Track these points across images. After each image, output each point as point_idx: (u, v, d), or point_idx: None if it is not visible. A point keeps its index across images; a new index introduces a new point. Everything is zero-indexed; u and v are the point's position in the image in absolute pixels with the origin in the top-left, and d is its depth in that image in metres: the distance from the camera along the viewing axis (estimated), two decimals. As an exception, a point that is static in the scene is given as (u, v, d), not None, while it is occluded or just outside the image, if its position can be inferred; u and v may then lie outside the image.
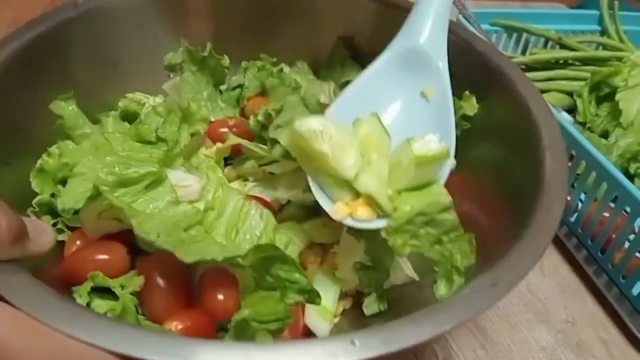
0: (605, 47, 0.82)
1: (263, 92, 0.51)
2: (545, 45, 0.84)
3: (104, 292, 0.37)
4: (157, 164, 0.38)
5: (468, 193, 0.45)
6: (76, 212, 0.40)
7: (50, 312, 0.27)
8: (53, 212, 0.42)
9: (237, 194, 0.43)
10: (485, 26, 0.81)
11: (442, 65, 0.46)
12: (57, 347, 0.26)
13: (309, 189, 0.40)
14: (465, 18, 0.78)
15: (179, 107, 0.42)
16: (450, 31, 0.47)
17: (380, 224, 0.38)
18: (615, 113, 0.69)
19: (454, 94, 0.45)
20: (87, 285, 0.36)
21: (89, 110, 0.46)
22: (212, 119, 0.49)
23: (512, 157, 0.45)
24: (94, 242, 0.40)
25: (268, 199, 0.45)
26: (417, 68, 0.47)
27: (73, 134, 0.38)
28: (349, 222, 0.39)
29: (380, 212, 0.38)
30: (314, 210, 0.44)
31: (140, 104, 0.51)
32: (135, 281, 0.37)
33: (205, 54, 0.49)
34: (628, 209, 0.54)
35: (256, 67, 0.51)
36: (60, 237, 0.41)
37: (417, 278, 0.45)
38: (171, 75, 0.54)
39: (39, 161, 0.42)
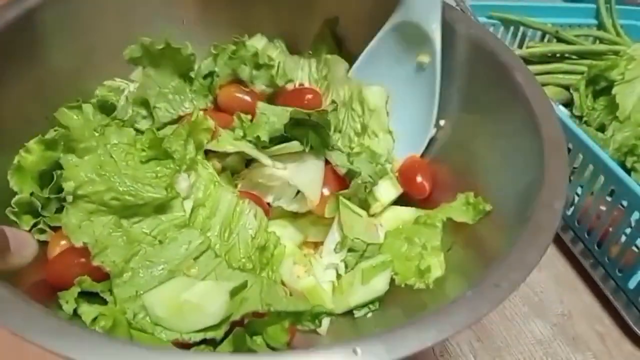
0: (602, 41, 0.82)
1: (236, 80, 0.49)
2: (542, 38, 0.84)
3: (91, 295, 0.36)
4: (165, 189, 0.38)
5: (466, 188, 0.45)
6: (58, 210, 0.40)
7: (37, 330, 0.26)
8: (33, 212, 0.40)
9: (230, 192, 0.42)
10: (482, 19, 0.80)
11: (436, 38, 0.50)
12: None
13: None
14: (463, 11, 0.77)
15: (187, 120, 0.41)
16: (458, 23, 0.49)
17: None
18: (612, 107, 0.69)
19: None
20: (74, 291, 0.35)
21: (64, 99, 0.44)
22: (182, 113, 0.47)
23: (512, 153, 0.44)
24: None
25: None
26: (413, 40, 0.52)
27: (77, 147, 0.37)
28: None
29: None
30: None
31: (118, 91, 0.50)
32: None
33: (161, 46, 0.46)
34: (625, 203, 0.53)
35: (227, 55, 0.48)
36: (43, 238, 0.40)
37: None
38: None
39: (17, 158, 0.41)
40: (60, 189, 0.41)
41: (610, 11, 0.84)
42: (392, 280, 0.44)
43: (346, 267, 0.44)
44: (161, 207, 0.38)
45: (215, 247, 0.39)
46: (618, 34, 0.82)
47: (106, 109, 0.49)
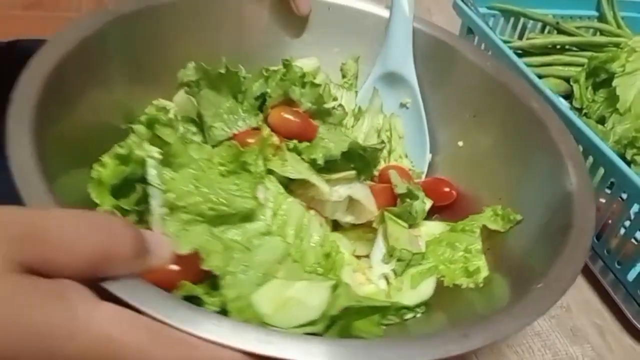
0: (602, 32, 0.82)
1: (286, 100, 0.52)
2: (542, 30, 0.84)
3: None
4: (253, 199, 0.41)
5: (489, 202, 0.51)
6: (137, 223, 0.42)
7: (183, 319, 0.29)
8: None
9: (298, 203, 0.45)
10: (483, 10, 0.81)
11: (412, 82, 0.60)
12: (192, 353, 0.28)
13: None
14: (464, 2, 0.78)
15: (260, 137, 0.45)
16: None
17: None
18: (612, 99, 0.69)
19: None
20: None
21: (119, 118, 0.48)
22: (236, 131, 0.50)
23: (531, 168, 0.51)
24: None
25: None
26: (395, 85, 0.61)
27: (174, 162, 0.39)
28: None
29: None
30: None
31: (165, 110, 0.52)
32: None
33: (222, 70, 0.49)
34: (624, 195, 0.55)
35: (279, 77, 0.52)
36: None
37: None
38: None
39: (93, 172, 0.43)
40: (139, 201, 0.43)
41: (611, 3, 0.84)
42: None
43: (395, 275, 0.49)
44: (247, 216, 0.41)
45: (292, 253, 0.43)
46: (619, 26, 0.82)
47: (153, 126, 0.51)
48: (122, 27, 0.50)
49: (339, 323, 0.37)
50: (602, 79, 0.72)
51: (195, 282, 0.40)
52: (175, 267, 0.39)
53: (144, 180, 0.45)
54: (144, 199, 0.44)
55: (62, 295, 0.27)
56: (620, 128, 0.67)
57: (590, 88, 0.73)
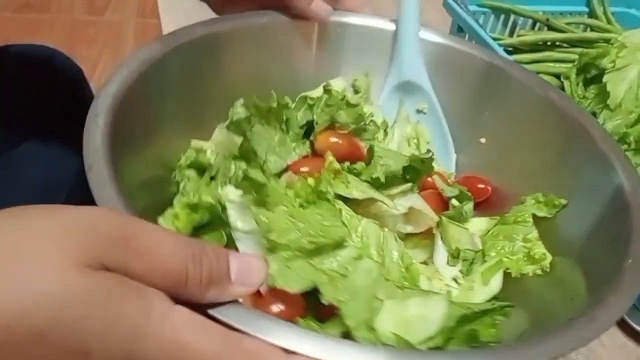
0: (593, 28, 0.83)
1: (332, 125, 0.54)
2: (533, 27, 0.84)
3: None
4: (344, 226, 0.42)
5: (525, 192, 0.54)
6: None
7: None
8: None
9: (373, 223, 0.46)
10: (473, 7, 0.82)
11: (427, 87, 0.62)
12: None
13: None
14: (454, 0, 0.80)
15: (327, 166, 0.46)
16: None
17: None
18: (603, 95, 0.70)
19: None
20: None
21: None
22: (290, 162, 0.52)
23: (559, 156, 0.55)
24: (267, 294, 0.41)
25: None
26: (410, 93, 0.63)
27: (268, 201, 0.39)
28: None
29: None
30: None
31: (202, 151, 0.52)
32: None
33: (274, 104, 0.50)
34: None
35: (323, 102, 0.53)
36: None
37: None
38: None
39: (169, 225, 0.43)
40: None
41: (601, -2, 0.84)
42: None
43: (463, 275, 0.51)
44: (339, 244, 0.42)
45: (382, 272, 0.44)
46: (609, 22, 0.84)
47: (198, 168, 0.51)
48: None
49: (459, 333, 0.38)
50: (592, 75, 0.73)
51: (297, 317, 0.40)
52: (280, 307, 0.40)
53: (218, 224, 0.45)
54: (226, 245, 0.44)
55: (140, 294, 0.27)
56: (611, 124, 0.67)
57: (581, 84, 0.74)
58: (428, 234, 0.53)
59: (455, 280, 0.50)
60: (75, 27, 2.01)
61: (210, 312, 0.30)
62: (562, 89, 0.75)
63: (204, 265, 0.29)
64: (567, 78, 0.75)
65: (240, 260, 0.32)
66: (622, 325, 0.57)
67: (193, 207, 0.44)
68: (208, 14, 0.58)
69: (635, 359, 0.55)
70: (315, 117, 0.52)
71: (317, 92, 0.55)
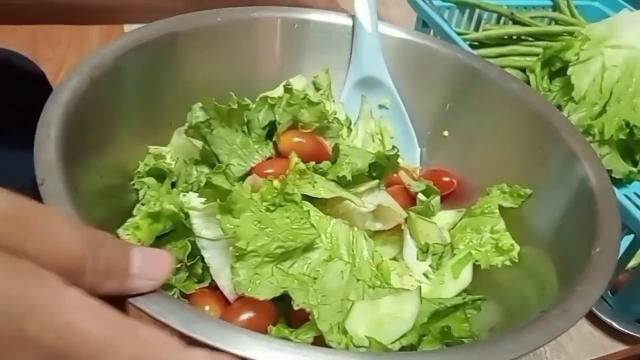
0: (557, 22, 0.83)
1: (295, 125, 0.52)
2: (498, 21, 0.84)
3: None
4: (313, 228, 0.41)
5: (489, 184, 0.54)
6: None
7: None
8: (167, 285, 0.41)
9: (342, 223, 0.46)
10: (437, 2, 0.83)
11: (388, 82, 0.62)
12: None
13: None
14: None
15: (298, 168, 0.44)
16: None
17: None
18: (568, 88, 0.70)
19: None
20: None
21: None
22: (253, 165, 0.50)
23: (515, 147, 0.55)
24: (236, 302, 0.40)
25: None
26: (372, 88, 0.62)
27: (234, 208, 0.38)
28: None
29: None
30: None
31: (161, 157, 0.51)
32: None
33: (234, 106, 0.48)
34: None
35: (285, 102, 0.51)
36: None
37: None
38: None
39: (129, 237, 0.42)
40: (179, 259, 0.42)
41: (564, -8, 0.84)
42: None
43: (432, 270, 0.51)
44: (308, 247, 0.41)
45: (353, 272, 0.43)
46: (573, 15, 0.84)
47: (157, 175, 0.49)
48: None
49: (432, 329, 0.38)
50: (557, 68, 0.73)
51: (269, 324, 0.39)
52: (250, 315, 0.39)
53: (181, 232, 0.44)
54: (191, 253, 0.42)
55: (32, 273, 0.25)
56: (575, 116, 0.68)
57: (546, 77, 0.74)
58: (396, 230, 0.52)
59: (425, 275, 0.50)
60: (39, 30, 1.95)
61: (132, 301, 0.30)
62: (528, 82, 0.75)
63: (101, 255, 0.28)
64: (532, 71, 0.75)
65: (144, 254, 0.31)
66: (588, 314, 0.57)
67: (154, 216, 0.43)
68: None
69: (602, 349, 0.56)
70: (277, 117, 0.50)
71: (278, 91, 0.54)
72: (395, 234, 0.52)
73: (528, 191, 0.52)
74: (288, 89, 0.51)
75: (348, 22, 0.61)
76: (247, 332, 0.29)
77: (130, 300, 0.30)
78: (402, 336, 0.38)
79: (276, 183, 0.42)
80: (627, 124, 0.67)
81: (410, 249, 0.51)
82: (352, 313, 0.38)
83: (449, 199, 0.59)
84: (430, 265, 0.50)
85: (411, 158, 0.62)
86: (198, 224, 0.41)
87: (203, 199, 0.41)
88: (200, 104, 0.47)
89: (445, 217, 0.56)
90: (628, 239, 0.55)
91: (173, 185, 0.50)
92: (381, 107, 0.63)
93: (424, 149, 0.63)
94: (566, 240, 0.46)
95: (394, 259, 0.53)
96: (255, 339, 0.29)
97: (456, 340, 0.38)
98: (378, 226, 0.51)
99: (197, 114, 0.47)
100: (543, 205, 0.51)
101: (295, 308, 0.37)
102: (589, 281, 0.37)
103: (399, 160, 0.60)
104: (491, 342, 0.33)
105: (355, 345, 0.37)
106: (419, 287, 0.40)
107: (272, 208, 0.42)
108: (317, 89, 0.63)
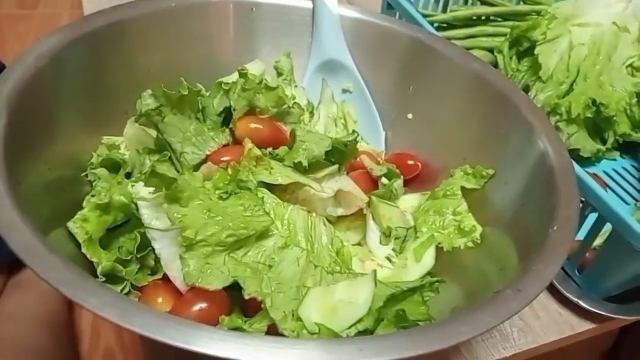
0: (525, 1, 0.81)
1: (252, 111, 0.51)
2: (465, 2, 0.83)
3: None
4: (267, 215, 0.40)
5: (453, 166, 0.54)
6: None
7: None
8: (118, 278, 0.41)
9: (300, 210, 0.45)
10: None
11: (350, 66, 0.61)
12: None
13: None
14: None
15: (247, 154, 0.44)
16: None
17: None
18: (536, 67, 0.69)
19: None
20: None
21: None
22: (208, 152, 0.49)
23: (481, 126, 0.54)
24: (188, 293, 0.40)
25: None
26: (334, 72, 0.62)
27: (182, 197, 0.37)
28: None
29: None
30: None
31: (115, 147, 0.50)
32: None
33: (185, 92, 0.46)
34: None
35: (239, 87, 0.50)
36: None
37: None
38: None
39: (78, 229, 0.41)
40: (130, 251, 0.41)
41: (532, -30, 0.81)
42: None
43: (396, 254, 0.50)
44: (263, 234, 0.40)
45: (311, 259, 0.42)
46: None
47: (111, 166, 0.48)
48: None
49: (389, 314, 0.38)
50: (525, 48, 0.72)
51: (224, 315, 0.38)
52: (202, 306, 0.38)
53: (135, 224, 0.43)
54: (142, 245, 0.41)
55: None
56: (542, 96, 0.67)
57: (514, 58, 0.73)
58: (359, 215, 0.51)
59: (389, 259, 0.50)
60: (5, 23, 1.90)
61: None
62: (497, 63, 0.74)
63: None
64: (501, 52, 0.74)
65: None
66: (555, 293, 0.57)
67: (104, 208, 0.41)
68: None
69: (570, 329, 0.55)
70: (232, 103, 0.49)
71: (234, 77, 0.52)
72: (358, 219, 0.52)
73: (491, 172, 0.51)
74: (243, 74, 0.49)
75: (308, 4, 0.60)
76: (189, 323, 0.29)
77: (64, 290, 0.29)
78: (359, 321, 0.37)
79: (229, 170, 0.41)
80: (594, 102, 0.67)
81: (374, 233, 0.51)
82: (306, 300, 0.37)
83: (415, 182, 0.59)
84: (394, 250, 0.50)
85: (376, 142, 0.61)
86: (147, 214, 0.40)
87: (152, 189, 0.39)
88: (150, 91, 0.45)
89: (410, 201, 0.56)
90: (593, 218, 0.55)
91: (129, 176, 0.49)
92: (345, 91, 0.62)
93: (389, 133, 0.62)
94: (527, 220, 0.45)
95: (359, 244, 0.52)
96: (197, 330, 0.28)
97: (412, 324, 0.37)
98: (340, 212, 0.50)
99: (147, 102, 0.45)
100: (505, 185, 0.50)
101: (247, 297, 0.36)
102: (544, 260, 0.37)
103: (364, 144, 0.60)
104: (442, 325, 0.32)
105: (310, 333, 0.36)
106: (374, 272, 0.39)
107: (224, 196, 0.41)
108: (280, 74, 0.62)
